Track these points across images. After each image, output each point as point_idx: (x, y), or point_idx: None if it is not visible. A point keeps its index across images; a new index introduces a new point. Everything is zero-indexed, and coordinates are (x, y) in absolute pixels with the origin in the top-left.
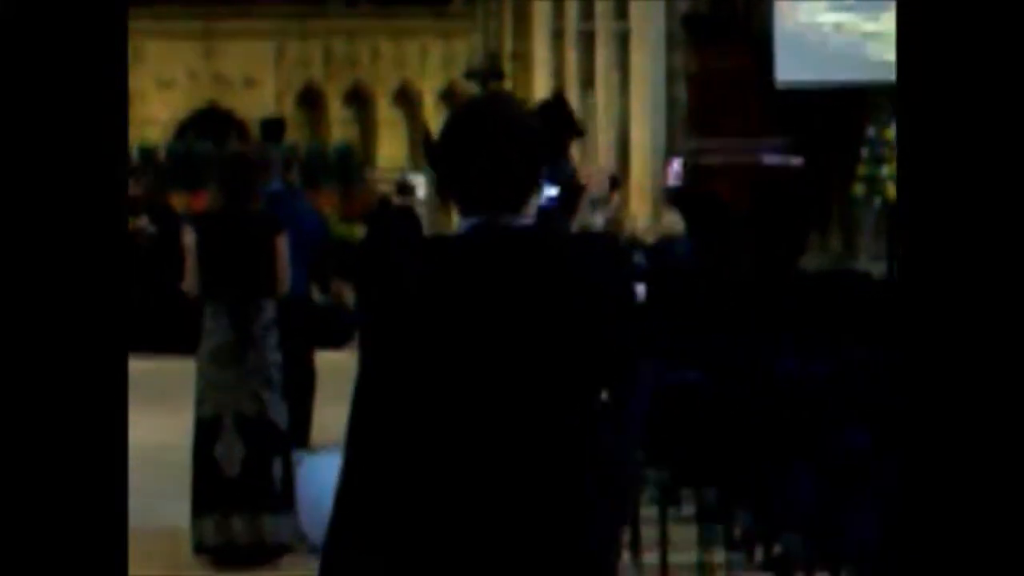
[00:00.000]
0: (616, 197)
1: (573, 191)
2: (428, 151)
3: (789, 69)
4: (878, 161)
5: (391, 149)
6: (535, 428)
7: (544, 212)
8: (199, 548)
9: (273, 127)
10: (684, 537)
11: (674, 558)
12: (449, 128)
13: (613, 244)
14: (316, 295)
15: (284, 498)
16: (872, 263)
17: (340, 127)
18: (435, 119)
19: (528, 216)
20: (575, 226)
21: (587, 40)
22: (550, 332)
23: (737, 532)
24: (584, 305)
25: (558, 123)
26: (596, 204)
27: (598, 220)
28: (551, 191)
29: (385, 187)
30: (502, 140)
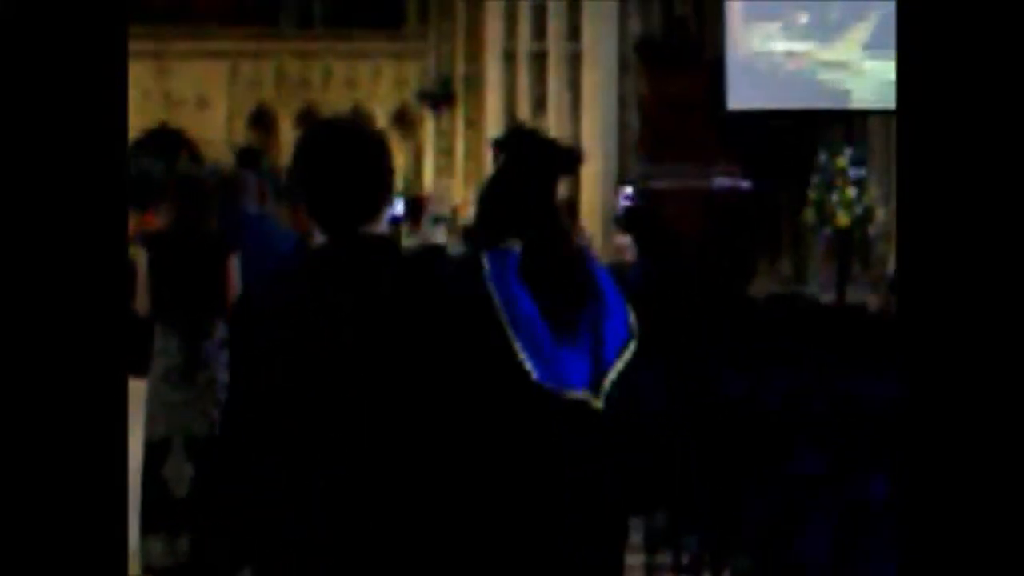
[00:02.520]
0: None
1: (416, 207)
2: None
3: (741, 95)
4: (829, 187)
5: None
6: (376, 426)
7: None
8: (147, 569)
9: (249, 155)
10: (632, 562)
11: None
12: (303, 148)
13: (454, 260)
14: None
15: None
16: (822, 289)
17: (291, 148)
18: (387, 140)
19: (379, 229)
20: (418, 240)
21: (539, 61)
22: (394, 336)
23: (685, 558)
24: (427, 313)
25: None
26: (438, 220)
27: (439, 236)
28: (397, 208)
29: None
30: (351, 159)
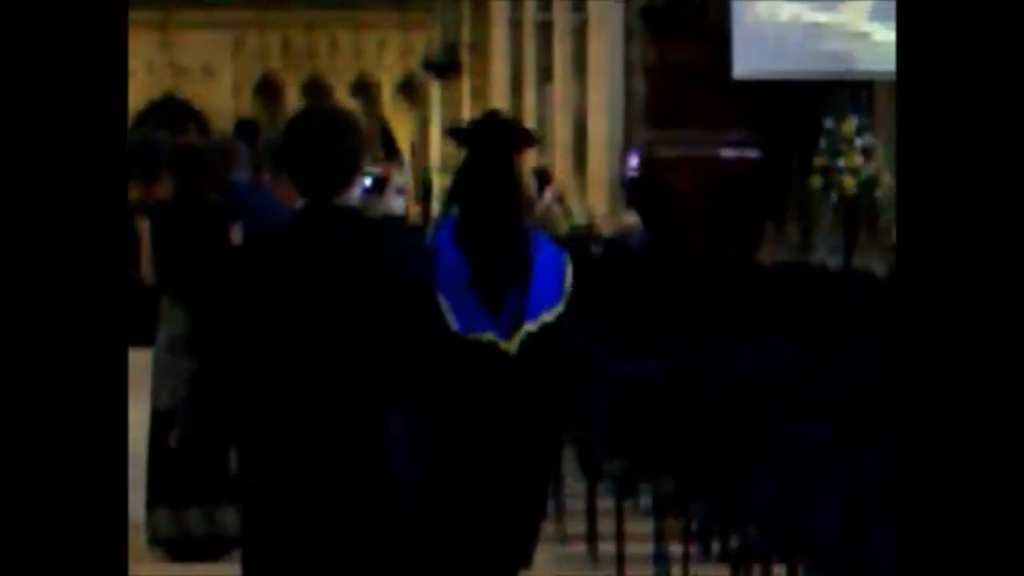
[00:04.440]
0: (546, 197)
1: (380, 182)
2: (385, 143)
3: (747, 62)
4: (835, 154)
5: None
6: (345, 363)
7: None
8: (154, 540)
9: (247, 127)
10: (641, 530)
11: (631, 550)
12: (289, 129)
13: (409, 227)
14: None
15: (239, 490)
16: (829, 255)
17: None
18: (393, 111)
19: (350, 198)
20: (381, 210)
21: (545, 31)
22: (359, 286)
23: (694, 525)
24: (386, 264)
25: (510, 138)
26: (399, 192)
27: (398, 205)
28: (366, 182)
29: None
30: (328, 137)
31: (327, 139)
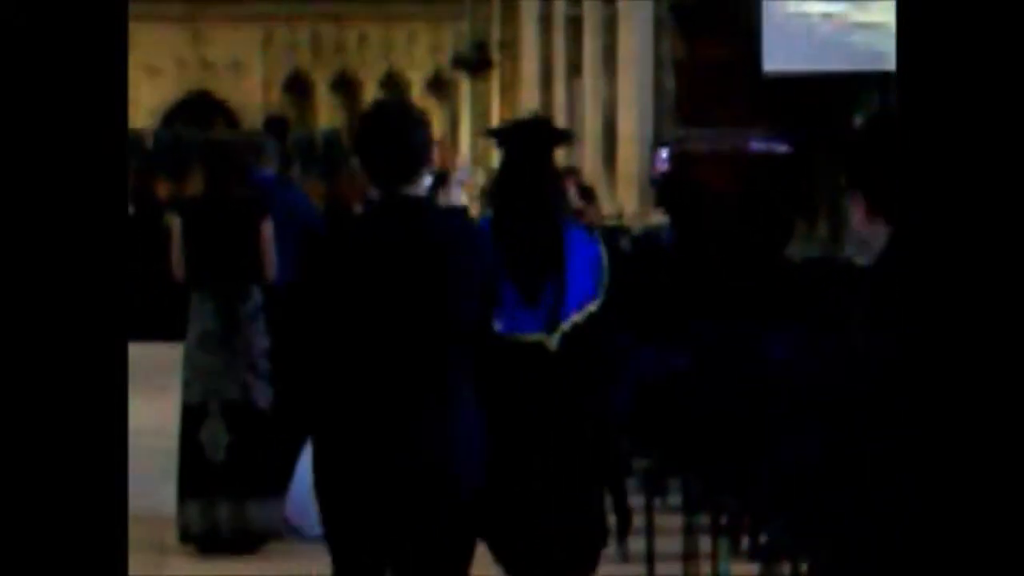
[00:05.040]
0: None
1: (442, 176)
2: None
3: (777, 58)
4: None
5: None
6: (421, 341)
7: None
8: (185, 536)
9: (276, 123)
10: (670, 524)
11: (660, 546)
12: (363, 125)
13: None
14: None
15: (269, 484)
16: (858, 252)
17: (327, 113)
18: (422, 106)
19: (419, 188)
20: (444, 203)
21: (575, 26)
22: (436, 270)
23: (723, 521)
24: (461, 250)
25: (544, 137)
26: (460, 184)
27: (460, 198)
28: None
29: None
30: (399, 133)
31: (400, 133)
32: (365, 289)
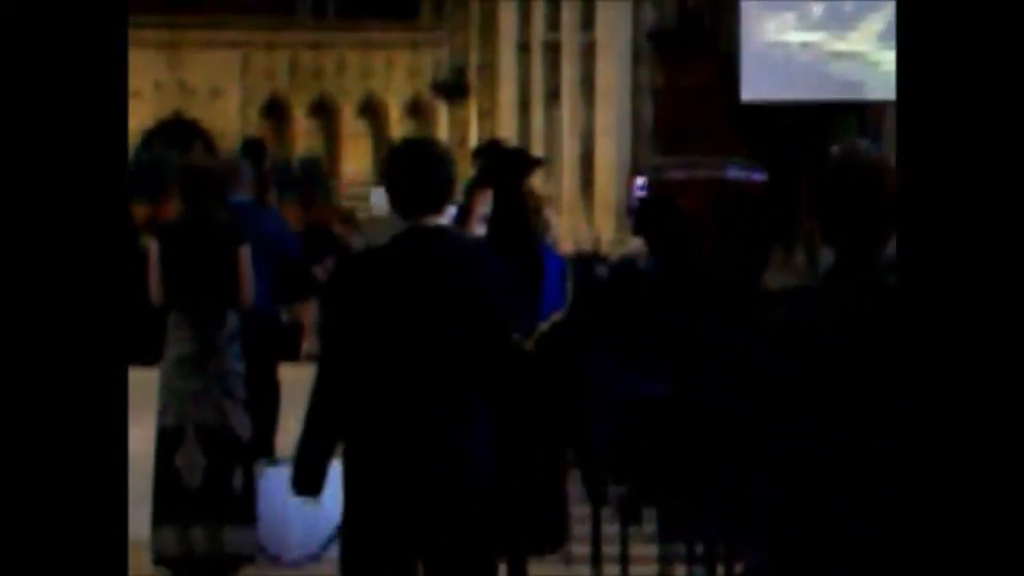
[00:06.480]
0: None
1: (465, 210)
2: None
3: (755, 86)
4: None
5: (356, 161)
6: (441, 363)
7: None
8: (159, 559)
9: (253, 147)
10: (646, 553)
11: (636, 572)
12: (392, 160)
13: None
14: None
15: (245, 509)
16: None
17: (305, 138)
18: (400, 132)
19: (444, 220)
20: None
21: (553, 52)
22: (451, 294)
23: (699, 550)
24: (474, 276)
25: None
26: (483, 220)
27: (481, 231)
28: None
29: (349, 204)
30: (427, 168)
31: (426, 170)
32: (385, 315)
